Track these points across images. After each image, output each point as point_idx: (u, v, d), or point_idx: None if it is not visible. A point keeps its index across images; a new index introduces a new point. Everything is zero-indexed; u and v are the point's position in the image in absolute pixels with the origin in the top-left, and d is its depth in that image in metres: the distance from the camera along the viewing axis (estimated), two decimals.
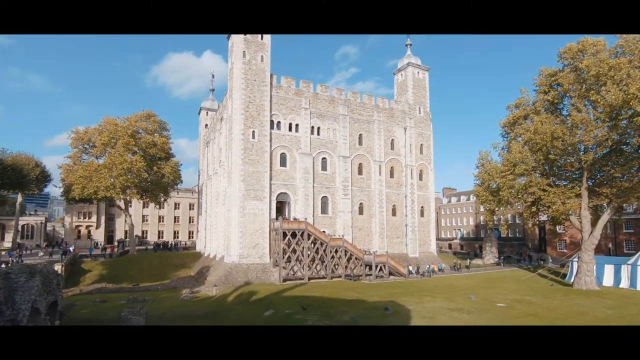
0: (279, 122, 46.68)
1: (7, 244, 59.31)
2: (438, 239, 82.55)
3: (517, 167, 34.45)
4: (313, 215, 47.09)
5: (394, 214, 54.64)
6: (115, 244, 66.53)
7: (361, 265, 44.92)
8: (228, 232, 44.11)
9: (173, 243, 71.17)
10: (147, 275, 44.33)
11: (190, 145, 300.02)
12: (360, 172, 52.41)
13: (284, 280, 40.09)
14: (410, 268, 47.47)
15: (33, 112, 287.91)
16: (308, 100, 48.61)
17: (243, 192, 42.55)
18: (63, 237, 70.55)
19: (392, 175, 55.07)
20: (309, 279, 41.47)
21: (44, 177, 62.97)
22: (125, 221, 64.18)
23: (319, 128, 49.46)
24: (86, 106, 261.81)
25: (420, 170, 57.64)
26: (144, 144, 53.43)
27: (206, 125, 70.31)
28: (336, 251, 43.98)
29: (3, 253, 47.90)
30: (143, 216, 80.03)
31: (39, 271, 22.60)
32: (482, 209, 66.04)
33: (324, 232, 45.40)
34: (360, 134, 52.66)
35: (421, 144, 58.03)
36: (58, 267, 37.84)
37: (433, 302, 28.06)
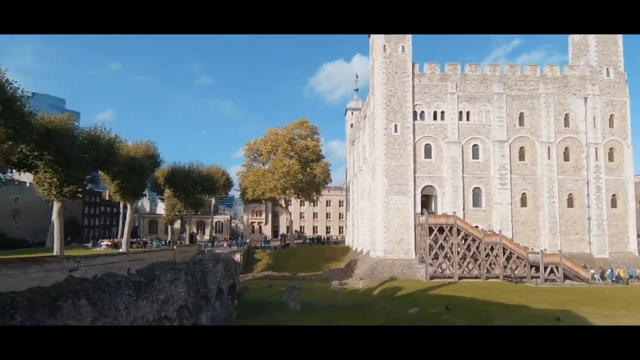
0: (422, 112, 44.54)
1: (206, 236, 76.09)
2: None
3: None
4: (463, 209, 43.07)
5: (570, 204, 44.67)
6: (279, 237, 76.96)
7: (525, 265, 38.48)
8: (373, 227, 44.87)
9: (325, 237, 77.28)
10: (303, 266, 49.39)
11: (340, 146, 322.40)
12: (521, 158, 44.87)
13: (431, 278, 38.05)
14: (593, 272, 37.91)
15: (225, 132, 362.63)
16: (454, 83, 44.63)
17: (386, 187, 42.50)
18: (242, 231, 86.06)
19: (566, 158, 45.08)
20: (459, 278, 38.11)
21: (228, 183, 77.72)
22: (286, 218, 73.29)
23: (468, 113, 44.79)
24: (260, 122, 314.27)
25: (610, 149, 45.20)
26: (298, 148, 59.88)
27: (351, 125, 73.68)
28: (492, 248, 39.01)
29: (202, 244, 61.91)
30: (300, 213, 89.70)
31: (222, 259, 28.00)
32: None
33: (476, 227, 40.95)
34: (521, 113, 45.02)
35: (611, 115, 45.29)
36: (237, 256, 46.35)
37: (631, 317, 21.60)
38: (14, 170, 42.57)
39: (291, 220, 70.58)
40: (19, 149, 30.43)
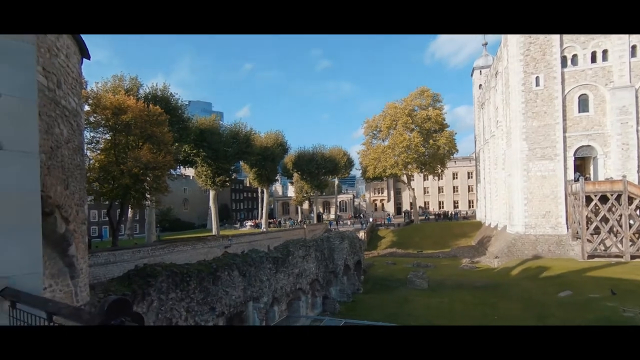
0: (574, 56, 36.64)
1: (332, 215, 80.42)
2: None
3: None
4: (638, 172, 34.28)
5: None
6: (402, 214, 75.71)
7: None
8: (510, 199, 39.94)
9: (453, 213, 72.43)
10: (429, 243, 47.60)
11: (469, 113, 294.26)
12: None
13: (589, 257, 31.73)
14: None
15: (345, 113, 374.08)
16: None
17: (526, 152, 37.02)
18: (365, 209, 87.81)
19: None
20: (632, 257, 30.75)
21: (350, 163, 79.81)
22: (409, 194, 71.44)
23: None
24: (379, 98, 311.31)
25: None
26: (419, 120, 57.07)
27: (480, 85, 66.03)
28: None
29: (327, 222, 65.75)
30: (424, 188, 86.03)
31: (347, 236, 29.38)
32: None
33: None
34: None
35: None
36: (362, 234, 47.72)
37: None
38: (180, 167, 53.09)
39: (414, 196, 68.41)
40: (183, 149, 37.69)
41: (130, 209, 40.03)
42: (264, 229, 49.35)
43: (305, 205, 79.31)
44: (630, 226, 31.42)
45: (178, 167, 54.10)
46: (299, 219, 72.88)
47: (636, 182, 33.20)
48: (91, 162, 23.74)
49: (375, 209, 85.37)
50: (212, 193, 44.41)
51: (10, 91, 2.43)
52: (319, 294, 23.35)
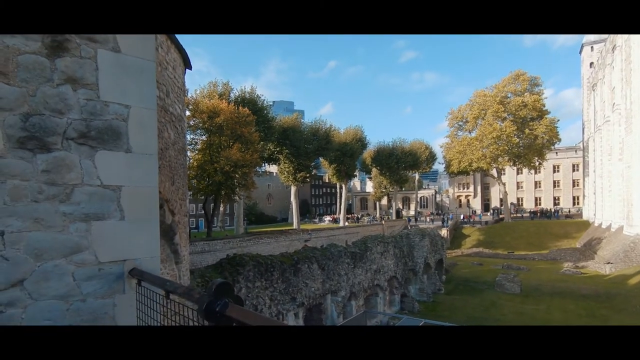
0: None
1: (411, 212, 77.85)
2: None
3: None
4: None
5: None
6: (491, 211, 69.75)
7: None
8: (628, 195, 34.17)
9: (552, 210, 64.31)
10: (523, 243, 43.13)
11: (576, 96, 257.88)
12: None
13: None
14: None
15: (429, 105, 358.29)
16: None
17: None
18: (448, 206, 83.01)
19: None
20: None
21: (432, 157, 76.28)
22: (499, 189, 65.55)
23: None
24: (466, 88, 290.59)
25: None
26: (513, 107, 51.95)
27: (591, 64, 57.53)
28: None
29: (406, 218, 63.78)
30: (517, 183, 77.99)
31: (428, 234, 28.41)
32: None
33: None
34: None
35: None
36: (444, 232, 45.41)
37: None
38: (265, 164, 56.78)
39: (505, 192, 62.47)
40: (268, 147, 40.24)
41: (222, 203, 44.25)
42: (342, 224, 50.09)
43: (384, 201, 78.26)
44: None
45: (263, 165, 57.91)
46: (377, 215, 72.23)
47: None
48: (190, 161, 26.84)
49: (460, 205, 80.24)
50: (293, 188, 46.60)
51: (137, 103, 3.00)
52: (397, 292, 23.03)
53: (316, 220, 70.05)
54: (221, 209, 54.53)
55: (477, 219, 63.02)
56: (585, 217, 55.73)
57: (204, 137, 28.63)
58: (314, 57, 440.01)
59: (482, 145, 52.82)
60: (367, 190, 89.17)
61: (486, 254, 40.21)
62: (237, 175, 27.37)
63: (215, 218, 38.59)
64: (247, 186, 29.12)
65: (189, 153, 27.67)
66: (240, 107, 28.81)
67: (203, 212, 33.66)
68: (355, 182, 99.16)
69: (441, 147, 64.12)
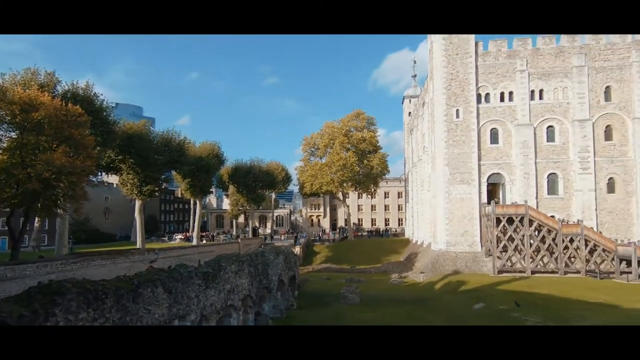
0: (487, 94, 41.51)
1: (268, 230, 79.27)
2: None
3: None
4: (536, 197, 39.47)
5: None
6: (337, 230, 77.43)
7: (612, 259, 34.13)
8: (434, 218, 43.15)
9: (384, 230, 76.08)
10: (362, 258, 49.22)
11: (402, 137, 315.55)
12: (608, 137, 39.67)
13: (499, 272, 35.50)
14: None
15: (289, 130, 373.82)
16: (525, 60, 40.73)
17: (448, 176, 40.52)
18: (302, 225, 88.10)
19: None
20: (532, 272, 35.04)
21: (287, 178, 79.90)
22: (344, 211, 73.47)
23: (541, 91, 40.70)
24: (322, 118, 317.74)
25: None
26: (355, 140, 59.66)
27: (409, 113, 71.28)
28: (571, 240, 35.22)
29: (263, 236, 64.60)
30: (358, 206, 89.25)
31: (282, 252, 29.05)
32: None
33: (552, 217, 37.30)
34: (607, 87, 39.68)
35: None
36: (297, 249, 47.66)
37: None
38: (103, 173, 48.36)
39: (349, 213, 70.62)
40: (107, 154, 34.42)
41: (38, 218, 35.23)
42: (195, 243, 46.71)
43: (241, 219, 77.14)
44: (531, 245, 35.88)
45: (100, 174, 49.16)
46: (234, 233, 70.46)
47: (535, 207, 38.18)
48: None
49: (312, 225, 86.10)
50: (138, 203, 41.00)
51: None
52: (252, 311, 22.59)
53: (165, 238, 63.25)
54: (37, 224, 43.38)
55: (331, 235, 68.82)
56: (407, 235, 67.62)
57: (12, 133, 22.50)
58: (175, 64, 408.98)
59: (331, 171, 58.77)
60: (223, 208, 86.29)
61: (334, 269, 44.01)
62: (61, 185, 22.32)
63: (25, 236, 30.23)
64: (75, 198, 24.01)
65: None
66: (70, 104, 23.89)
67: (7, 228, 25.99)
68: (211, 199, 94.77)
69: (296, 169, 68.45)
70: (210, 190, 60.55)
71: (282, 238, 62.21)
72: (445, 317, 20.48)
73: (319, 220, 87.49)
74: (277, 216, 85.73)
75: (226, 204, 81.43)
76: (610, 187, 39.35)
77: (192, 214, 68.76)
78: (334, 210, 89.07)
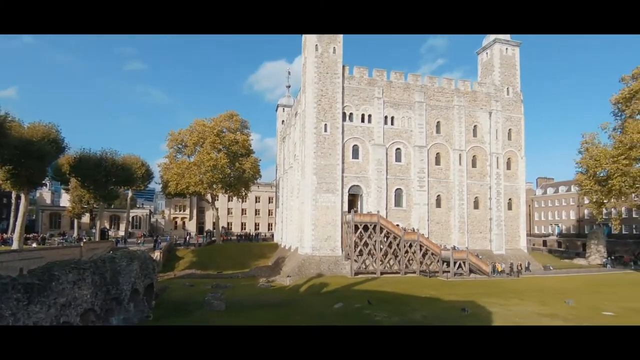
0: (351, 114, 46.12)
1: (121, 232, 69.39)
2: (530, 234, 74.00)
3: (634, 149, 28.78)
4: (386, 208, 45.72)
5: (476, 207, 50.27)
6: (205, 234, 73.44)
7: (438, 261, 42.30)
8: (301, 224, 45.26)
9: (254, 234, 75.90)
10: (230, 263, 47.87)
11: (275, 143, 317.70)
12: (437, 163, 49.19)
13: (356, 274, 39.74)
14: (499, 266, 43.28)
15: (154, 122, 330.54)
16: (381, 89, 46.99)
17: (315, 185, 43.15)
18: (163, 227, 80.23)
19: (474, 165, 50.63)
20: (382, 273, 40.45)
21: (148, 175, 71.64)
22: (213, 214, 70.25)
23: (392, 117, 47.62)
24: (192, 113, 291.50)
25: (508, 159, 51.93)
26: (227, 141, 57.73)
27: (283, 121, 73.20)
28: (410, 245, 42.10)
29: (114, 239, 56.20)
30: (228, 209, 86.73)
31: (138, 257, 25.72)
32: (586, 201, 57.22)
33: (397, 225, 43.80)
34: (438, 122, 49.27)
35: (509, 129, 52.08)
36: (157, 254, 43.09)
37: (521, 305, 25.05)
38: None
39: (218, 216, 67.86)
40: None
41: None
42: (17, 247, 37.08)
43: (86, 219, 65.15)
44: (381, 249, 41.32)
45: None
46: (75, 235, 58.78)
47: (385, 216, 44.23)
48: None
49: (176, 227, 79.25)
50: None
51: None
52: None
53: None
54: None
55: (201, 239, 64.44)
56: (275, 240, 68.88)
57: None
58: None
59: (200, 171, 55.62)
60: (61, 205, 71.53)
61: (198, 275, 41.30)
62: None
63: None
64: None
65: None
66: None
67: None
68: (44, 193, 77.51)
69: (159, 166, 62.23)
70: (44, 182, 49.37)
71: (140, 242, 55.11)
72: (309, 317, 21.61)
73: (184, 223, 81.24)
74: (133, 217, 75.84)
75: (65, 200, 67.84)
76: (438, 202, 48.74)
77: (13, 210, 54.68)
78: (201, 212, 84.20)
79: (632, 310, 23.30)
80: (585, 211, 70.61)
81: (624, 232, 65.50)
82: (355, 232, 40.67)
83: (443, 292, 29.58)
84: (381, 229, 41.45)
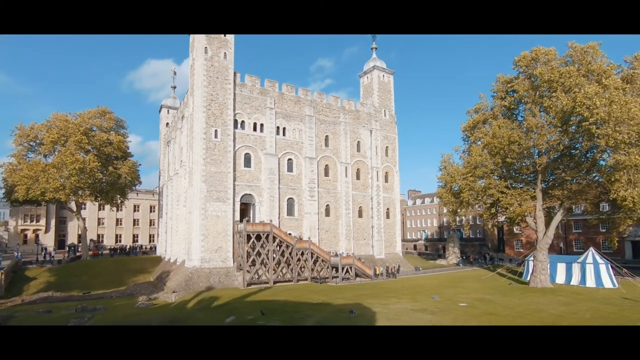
0: (243, 122, 45.52)
1: None
2: (404, 240, 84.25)
3: (477, 169, 35.58)
4: (279, 217, 46.26)
5: (360, 215, 54.93)
6: (67, 249, 62.08)
7: (328, 267, 44.62)
8: (189, 235, 42.34)
9: (131, 247, 67.52)
10: (101, 281, 41.54)
11: (159, 147, 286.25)
12: (326, 174, 52.21)
13: (248, 285, 38.96)
14: (378, 270, 47.91)
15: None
16: (273, 100, 47.76)
17: (205, 193, 40.99)
18: (7, 242, 64.86)
19: (358, 177, 55.39)
20: (275, 282, 40.58)
21: None
22: (78, 224, 60.05)
23: (284, 128, 48.77)
24: (50, 106, 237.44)
25: (386, 173, 58.43)
26: (98, 142, 50.42)
27: (167, 123, 67.45)
28: (302, 254, 43.41)
29: None
30: (99, 219, 75.41)
31: None
32: (444, 211, 68.08)
33: (290, 234, 44.70)
34: (326, 136, 52.52)
35: (387, 147, 58.83)
36: None
37: (398, 303, 28.22)
38: None
39: (85, 228, 58.21)
40: None
41: None
42: None
43: None
44: (274, 258, 41.49)
45: None
46: None
47: (278, 225, 44.74)
48: None
49: (25, 242, 64.85)
50: None
51: None
52: None
53: None
54: None
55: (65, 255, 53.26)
56: (158, 253, 62.60)
57: None
58: None
59: (61, 174, 47.18)
60: None
61: (57, 298, 34.36)
62: None
63: None
64: None
65: None
66: None
67: None
68: None
69: (1, 167, 50.44)
70: None
71: None
72: None
73: (37, 236, 67.18)
74: None
75: None
76: (327, 211, 51.65)
77: None
78: (62, 223, 71.05)
79: (479, 300, 28.64)
80: (444, 219, 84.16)
81: (471, 235, 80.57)
82: (248, 241, 39.98)
83: (333, 297, 31.27)
84: (274, 238, 41.69)
